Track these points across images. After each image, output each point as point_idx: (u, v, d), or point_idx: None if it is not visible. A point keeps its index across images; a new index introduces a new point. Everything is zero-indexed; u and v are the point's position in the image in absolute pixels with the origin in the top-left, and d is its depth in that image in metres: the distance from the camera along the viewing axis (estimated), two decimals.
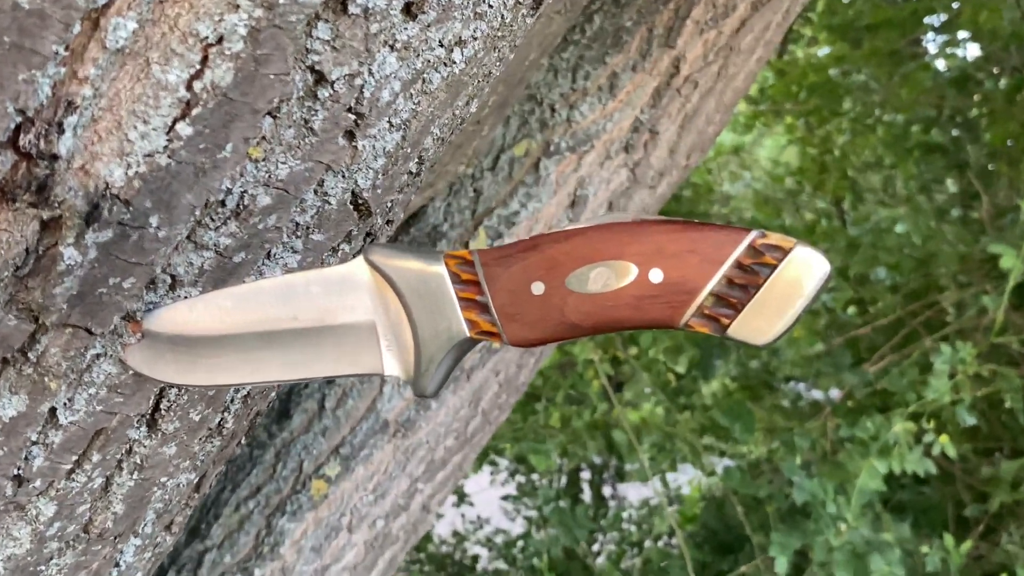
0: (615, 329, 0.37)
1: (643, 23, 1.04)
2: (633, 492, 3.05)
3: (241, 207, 0.43)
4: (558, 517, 2.38)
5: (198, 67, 0.37)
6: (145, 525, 0.54)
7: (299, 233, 0.47)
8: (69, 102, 0.36)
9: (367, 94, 0.43)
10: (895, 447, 1.72)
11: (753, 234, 0.35)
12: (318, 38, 0.40)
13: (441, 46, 0.44)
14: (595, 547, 2.72)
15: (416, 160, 0.52)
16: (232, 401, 0.53)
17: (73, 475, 0.47)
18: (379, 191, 0.49)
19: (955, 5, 2.32)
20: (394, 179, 0.50)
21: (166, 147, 0.39)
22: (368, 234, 0.54)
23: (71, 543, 0.50)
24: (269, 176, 0.43)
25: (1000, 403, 2.01)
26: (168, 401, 0.48)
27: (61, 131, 0.36)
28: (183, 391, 0.48)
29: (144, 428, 0.48)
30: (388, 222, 0.56)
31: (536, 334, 0.38)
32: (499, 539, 2.86)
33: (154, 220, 0.40)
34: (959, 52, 2.47)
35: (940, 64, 2.48)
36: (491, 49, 0.49)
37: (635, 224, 0.36)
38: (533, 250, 0.37)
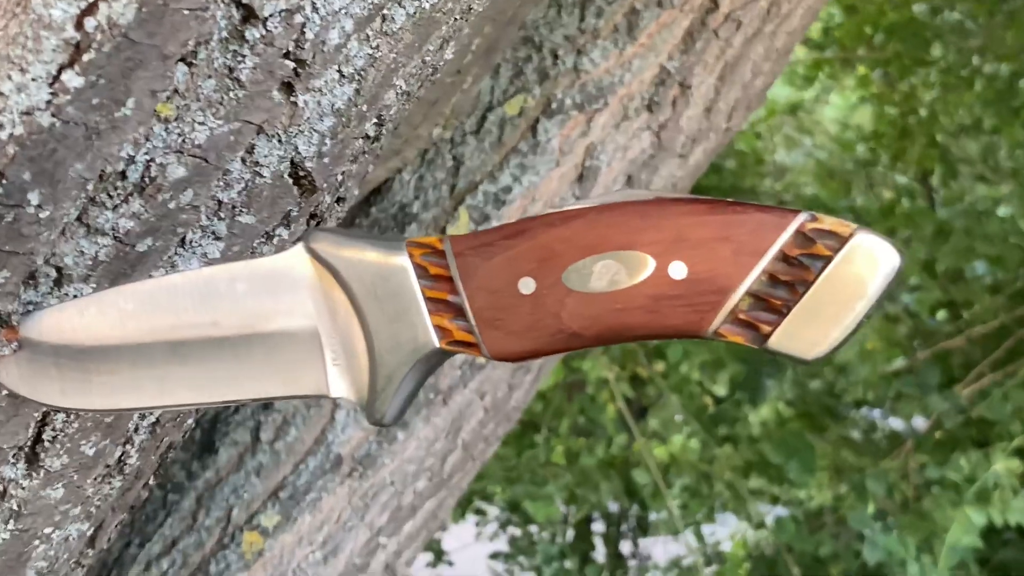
0: (626, 339, 0.37)
1: None
2: (659, 549, 3.05)
3: (147, 180, 0.43)
4: None
5: None
6: None
7: (222, 214, 0.47)
8: None
9: (309, 35, 0.44)
10: (995, 492, 1.73)
11: (801, 217, 0.35)
12: None
13: None
14: None
15: (374, 121, 0.52)
16: (136, 430, 0.53)
17: None
18: (326, 160, 0.49)
19: None
20: (346, 145, 0.50)
21: (49, 103, 0.39)
22: (313, 215, 0.54)
23: None
24: (183, 140, 0.43)
25: None
26: (53, 430, 0.48)
27: None
28: (72, 417, 0.48)
29: (22, 465, 0.48)
30: (339, 200, 0.56)
31: (524, 345, 0.38)
32: None
33: (33, 197, 0.40)
34: None
35: None
36: None
37: (651, 204, 0.36)
38: (521, 237, 0.38)
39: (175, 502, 1.02)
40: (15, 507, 0.50)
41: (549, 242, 0.37)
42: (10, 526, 0.50)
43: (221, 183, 0.46)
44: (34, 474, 0.49)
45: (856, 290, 0.35)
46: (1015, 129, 2.52)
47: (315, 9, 0.43)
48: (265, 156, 0.46)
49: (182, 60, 0.41)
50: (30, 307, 0.43)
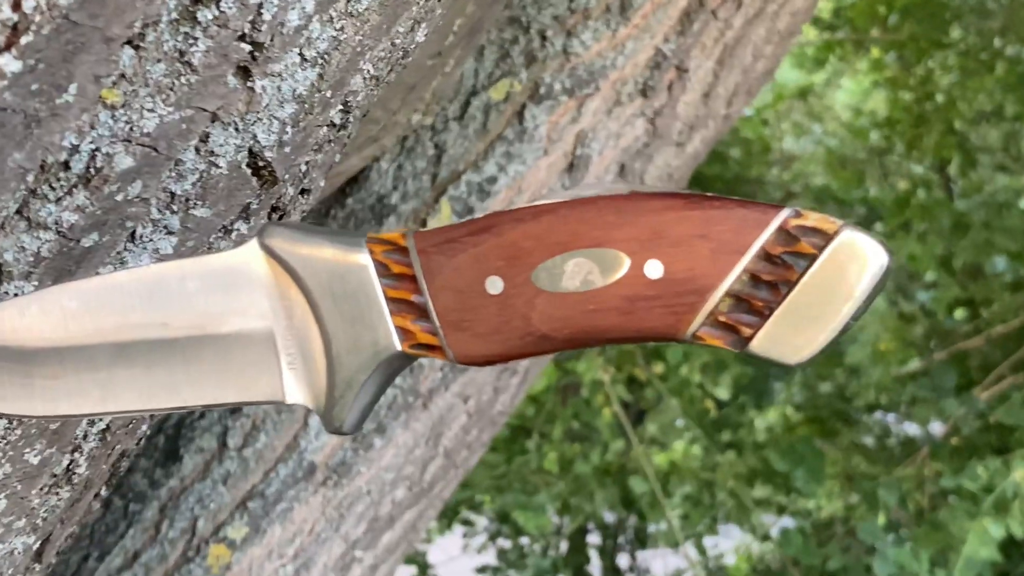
0: (599, 342, 0.37)
1: None
2: (658, 562, 3.06)
3: (92, 171, 0.43)
4: None
5: None
6: None
7: (175, 207, 0.47)
8: None
9: (267, 16, 0.44)
10: (1015, 501, 1.73)
11: (784, 213, 0.35)
12: None
13: None
14: None
15: (340, 108, 0.52)
16: (85, 438, 0.53)
17: None
18: (287, 150, 0.49)
19: None
20: (309, 133, 0.50)
21: None
22: (275, 209, 0.54)
23: None
24: (131, 129, 0.43)
25: None
26: None
27: None
28: (14, 423, 0.48)
29: None
30: (303, 192, 0.56)
31: (491, 348, 0.38)
32: None
33: None
34: None
35: None
36: None
37: (626, 199, 0.36)
38: (488, 233, 0.38)
39: (137, 512, 1.02)
40: None
41: (518, 239, 0.37)
42: None
43: (173, 174, 0.46)
44: None
45: (842, 291, 0.35)
46: None
47: None
48: (221, 145, 0.46)
49: (128, 43, 0.41)
50: None
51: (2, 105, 0.39)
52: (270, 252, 0.41)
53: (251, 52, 0.44)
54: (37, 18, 0.38)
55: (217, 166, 0.47)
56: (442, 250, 0.38)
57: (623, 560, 3.02)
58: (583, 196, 0.38)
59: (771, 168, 2.96)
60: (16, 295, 0.44)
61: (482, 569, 2.80)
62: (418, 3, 0.51)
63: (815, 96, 3.40)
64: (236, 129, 0.46)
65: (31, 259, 0.44)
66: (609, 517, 2.81)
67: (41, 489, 0.52)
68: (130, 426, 0.57)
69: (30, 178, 0.42)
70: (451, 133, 1.05)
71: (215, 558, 1.00)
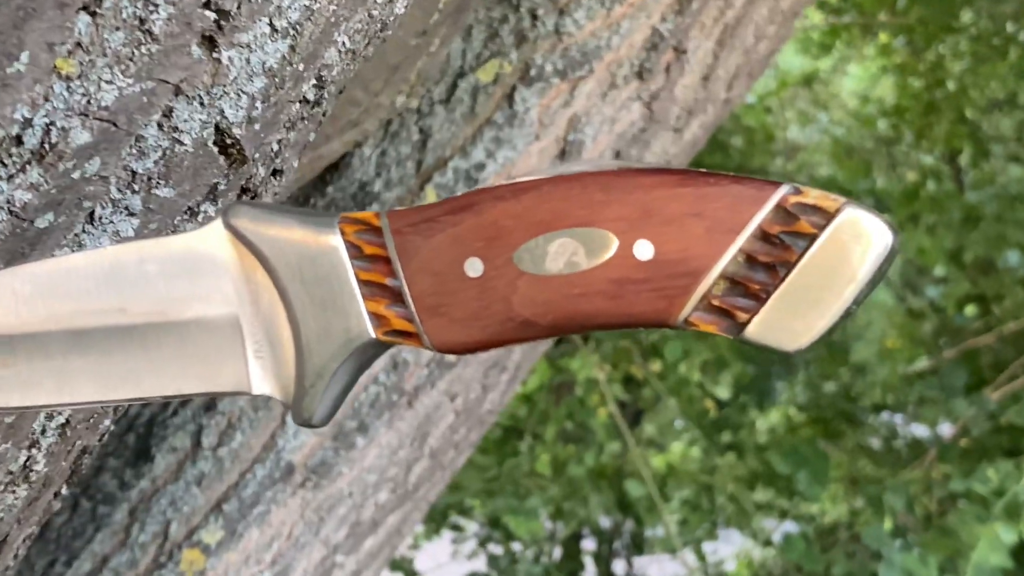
0: (585, 328, 0.37)
1: None
2: (656, 568, 3.07)
3: (46, 147, 0.42)
4: None
5: None
6: None
7: (136, 186, 0.46)
8: None
9: None
10: None
11: (783, 190, 0.35)
12: None
13: None
14: None
15: (314, 82, 0.51)
16: (43, 432, 0.52)
17: None
18: (257, 127, 0.49)
19: None
20: (280, 109, 0.50)
21: None
22: (245, 190, 0.53)
23: None
24: (88, 102, 0.43)
25: None
26: None
27: None
28: None
29: None
30: (275, 173, 0.55)
31: (471, 335, 0.37)
32: None
33: None
34: None
35: None
36: None
37: (614, 175, 0.36)
38: (467, 212, 0.37)
39: (106, 515, 1.02)
40: None
41: (498, 218, 0.37)
42: None
43: (134, 151, 0.45)
44: None
45: (844, 273, 0.35)
46: None
47: None
48: (185, 121, 0.46)
49: (84, 9, 0.40)
50: None
51: None
52: (235, 233, 0.40)
53: (216, 20, 0.44)
54: None
55: (181, 143, 0.46)
56: (418, 230, 0.38)
57: (619, 567, 3.03)
58: (568, 172, 0.37)
59: (775, 158, 2.97)
60: None
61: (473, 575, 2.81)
62: None
63: (821, 83, 3.41)
64: (201, 104, 0.46)
65: None
66: (604, 522, 2.82)
67: None
68: (91, 420, 0.56)
69: None
70: (437, 117, 1.05)
71: (189, 563, 1.00)
